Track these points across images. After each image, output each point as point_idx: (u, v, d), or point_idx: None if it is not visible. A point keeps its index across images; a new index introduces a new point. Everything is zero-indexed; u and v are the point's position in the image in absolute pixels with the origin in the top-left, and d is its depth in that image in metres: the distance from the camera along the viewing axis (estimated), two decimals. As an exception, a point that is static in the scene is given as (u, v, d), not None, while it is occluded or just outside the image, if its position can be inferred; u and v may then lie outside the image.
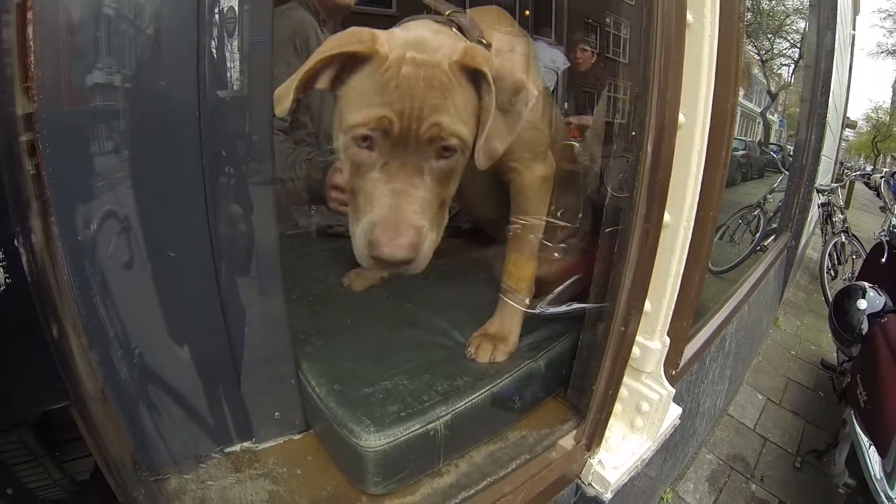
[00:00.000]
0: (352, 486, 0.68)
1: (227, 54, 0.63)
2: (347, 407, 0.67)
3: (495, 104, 0.57)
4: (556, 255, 0.93)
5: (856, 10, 7.01)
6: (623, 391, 0.98)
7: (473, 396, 0.71)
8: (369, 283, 1.00)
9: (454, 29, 0.68)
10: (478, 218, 1.00)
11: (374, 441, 0.63)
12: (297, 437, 0.76)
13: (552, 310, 0.88)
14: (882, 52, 19.02)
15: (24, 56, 0.51)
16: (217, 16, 0.62)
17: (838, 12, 3.18)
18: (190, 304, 0.67)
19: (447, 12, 0.70)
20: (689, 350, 1.30)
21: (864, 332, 1.96)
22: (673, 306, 0.89)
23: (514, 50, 0.75)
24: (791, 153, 3.04)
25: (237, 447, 0.74)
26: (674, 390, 1.05)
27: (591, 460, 0.91)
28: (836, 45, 3.65)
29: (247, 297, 0.69)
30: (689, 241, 0.84)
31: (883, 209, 3.07)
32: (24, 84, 0.53)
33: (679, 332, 1.02)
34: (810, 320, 3.48)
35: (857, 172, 4.32)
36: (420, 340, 0.83)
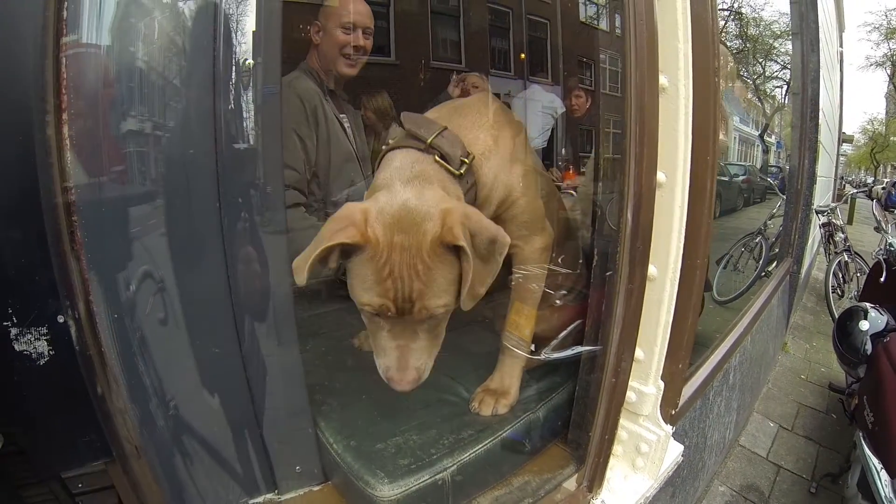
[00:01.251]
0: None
1: (243, 106, 0.72)
2: (363, 461, 0.74)
3: (473, 259, 0.69)
4: (557, 302, 1.00)
5: (841, 28, 7.16)
6: (622, 433, 1.03)
7: (477, 448, 0.78)
8: None
9: (436, 157, 0.78)
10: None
11: (387, 492, 0.70)
12: (316, 488, 0.82)
13: (556, 355, 0.94)
14: (871, 65, 19.29)
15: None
16: (232, 71, 0.70)
17: (823, 33, 3.30)
18: (215, 359, 0.73)
19: (428, 140, 0.79)
20: (689, 388, 1.35)
21: (868, 353, 1.97)
22: (665, 352, 0.95)
23: (491, 143, 0.85)
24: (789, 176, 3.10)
25: (261, 498, 0.80)
26: (671, 430, 1.10)
27: (594, 501, 0.95)
28: (824, 65, 3.77)
29: (266, 349, 0.76)
30: (675, 291, 0.90)
31: (878, 229, 3.11)
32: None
33: (674, 374, 1.07)
34: (819, 342, 3.47)
35: (855, 190, 4.33)
36: (427, 397, 0.89)
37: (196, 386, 0.73)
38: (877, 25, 17.79)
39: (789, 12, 2.88)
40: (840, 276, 3.86)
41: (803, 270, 3.60)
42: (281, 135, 0.78)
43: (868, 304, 2.16)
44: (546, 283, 0.95)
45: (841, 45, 7.72)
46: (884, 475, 1.46)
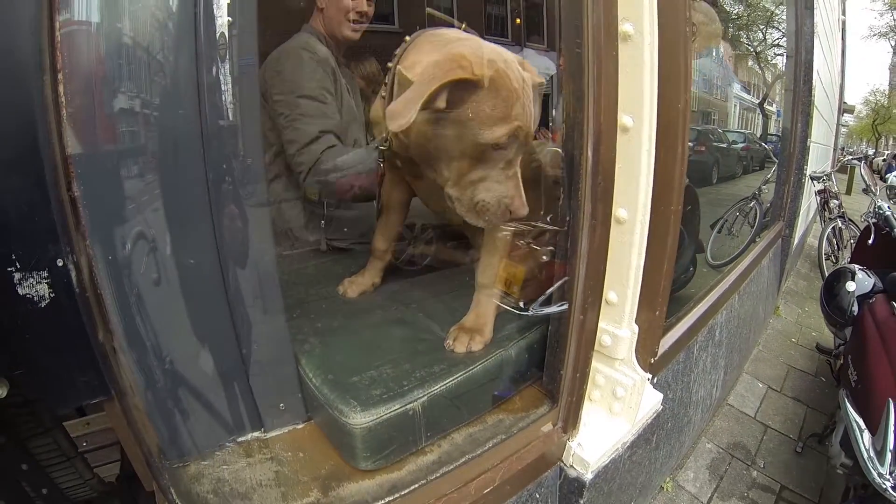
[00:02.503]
0: (346, 464, 0.77)
1: (221, 79, 0.73)
2: (338, 392, 0.78)
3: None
4: (542, 255, 1.03)
5: None
6: (599, 378, 1.06)
7: (448, 381, 0.81)
8: (362, 289, 1.11)
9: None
10: (460, 224, 1.11)
11: (360, 419, 0.73)
12: (300, 426, 0.86)
13: (545, 310, 0.96)
14: (875, 35, 18.96)
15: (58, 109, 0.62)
16: (212, 43, 0.72)
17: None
18: (203, 309, 0.77)
19: (462, 25, 0.89)
20: (670, 339, 1.38)
21: (854, 314, 2.00)
22: (638, 296, 0.97)
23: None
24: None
25: (248, 436, 0.84)
26: (647, 375, 1.13)
27: (570, 443, 0.99)
28: (823, 31, 3.71)
29: (250, 302, 0.79)
30: (646, 235, 0.92)
31: (866, 191, 3.11)
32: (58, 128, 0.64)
33: (651, 321, 1.10)
34: (811, 307, 3.50)
35: (851, 157, 4.32)
36: (404, 336, 0.93)
37: (186, 332, 0.77)
38: None
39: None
40: (834, 242, 3.88)
41: (797, 236, 3.62)
42: (258, 107, 0.82)
43: (856, 266, 2.18)
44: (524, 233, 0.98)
45: (843, 13, 7.59)
46: (865, 432, 1.50)
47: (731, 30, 2.96)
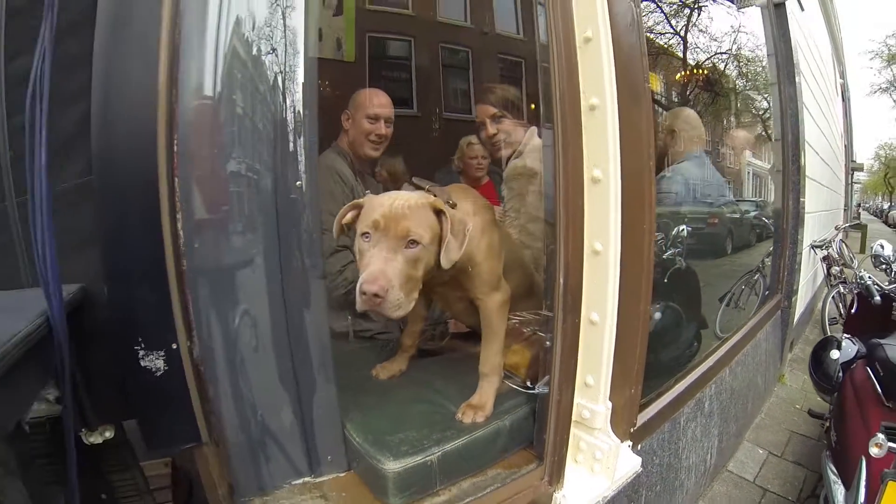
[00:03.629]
0: (378, 500, 1.04)
1: (298, 150, 0.95)
2: (376, 447, 1.05)
3: (449, 230, 1.01)
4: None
5: (840, 61, 7.32)
6: (582, 444, 1.30)
7: (457, 442, 1.08)
8: (391, 373, 1.41)
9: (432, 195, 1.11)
10: (468, 324, 1.45)
11: (392, 466, 1.00)
12: (342, 474, 1.11)
13: (544, 390, 1.22)
14: (876, 91, 19.29)
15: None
16: (291, 118, 0.94)
17: (814, 72, 3.51)
18: (277, 380, 1.03)
19: (426, 188, 1.17)
20: (651, 411, 1.61)
21: (839, 381, 2.17)
22: (610, 380, 1.23)
23: (469, 210, 1.21)
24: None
25: (301, 480, 1.08)
26: (626, 442, 1.37)
27: (556, 494, 1.22)
28: (818, 101, 3.98)
29: (313, 370, 1.04)
30: (614, 333, 1.20)
31: (846, 266, 3.28)
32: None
33: (626, 397, 1.34)
34: (818, 376, 3.60)
35: (846, 224, 4.46)
36: (424, 410, 1.21)
37: (264, 397, 1.03)
38: (877, 52, 17.98)
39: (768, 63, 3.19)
40: (839, 307, 4.00)
41: (802, 304, 3.77)
42: (315, 182, 1.00)
43: (843, 335, 2.36)
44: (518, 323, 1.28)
45: (842, 76, 7.92)
46: (840, 488, 1.66)
47: (730, 112, 3.28)
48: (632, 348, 1.29)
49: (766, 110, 3.43)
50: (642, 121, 1.23)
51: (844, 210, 7.39)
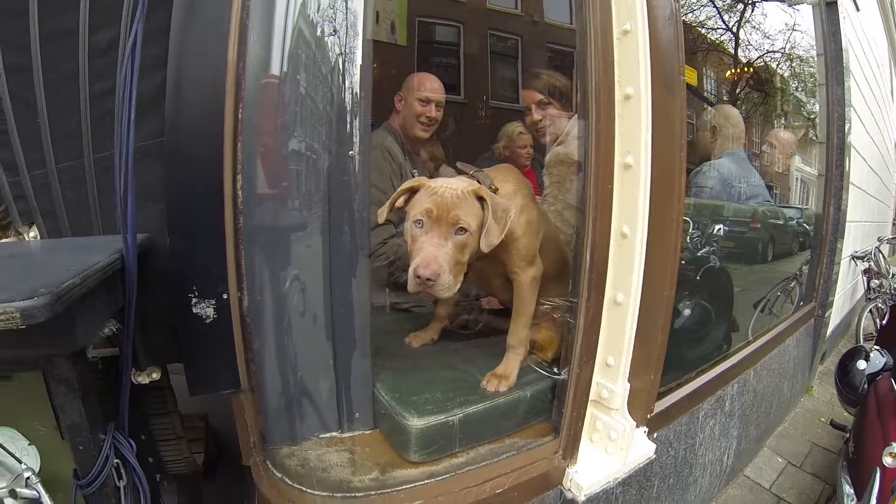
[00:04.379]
0: (399, 458, 1.10)
1: (353, 132, 0.99)
2: (403, 405, 1.12)
3: (491, 215, 1.07)
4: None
5: None
6: (599, 424, 1.34)
7: (478, 406, 1.14)
8: (423, 342, 1.48)
9: (476, 181, 1.18)
10: (501, 300, 1.50)
11: (416, 422, 1.07)
12: (367, 432, 1.19)
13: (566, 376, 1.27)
14: None
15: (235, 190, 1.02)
16: (349, 99, 0.98)
17: (868, 74, 3.37)
18: (317, 342, 1.11)
19: (471, 173, 1.22)
20: (668, 400, 1.63)
21: (864, 392, 2.12)
22: (630, 361, 1.26)
23: (511, 192, 1.26)
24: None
25: (329, 434, 1.17)
26: (643, 427, 1.40)
27: (568, 469, 1.26)
28: (870, 105, 3.82)
29: (352, 335, 1.12)
30: (636, 315, 1.22)
31: (880, 276, 3.16)
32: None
33: (645, 382, 1.37)
34: (849, 389, 3.50)
35: (890, 236, 4.26)
36: (451, 376, 1.27)
37: (304, 356, 1.11)
38: None
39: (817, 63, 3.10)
40: (877, 322, 3.87)
41: (837, 316, 3.66)
42: (368, 163, 1.06)
43: (872, 346, 2.30)
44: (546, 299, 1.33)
45: None
46: (853, 500, 1.64)
47: (775, 113, 3.19)
48: (654, 333, 1.32)
49: (812, 112, 3.32)
50: (676, 112, 1.24)
51: (893, 223, 7.04)
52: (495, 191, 1.20)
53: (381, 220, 1.12)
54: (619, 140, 1.18)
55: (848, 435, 2.14)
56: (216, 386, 1.16)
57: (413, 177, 1.75)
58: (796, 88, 3.29)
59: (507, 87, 3.31)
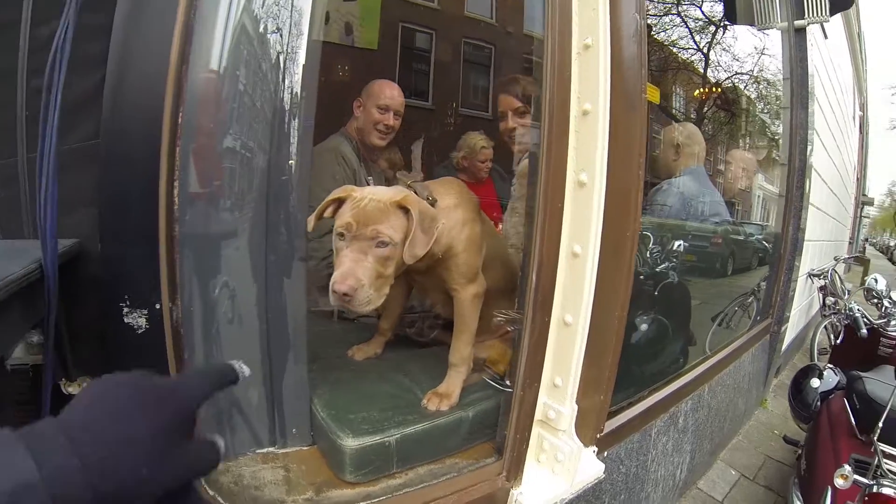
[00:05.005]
0: (336, 477, 1.06)
1: (291, 133, 0.96)
2: (338, 423, 1.07)
3: (417, 225, 1.03)
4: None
5: (861, 92, 7.29)
6: (545, 444, 1.31)
7: (417, 426, 1.10)
8: (366, 355, 1.44)
9: (411, 191, 1.13)
10: (444, 315, 1.46)
11: (350, 442, 1.03)
12: (305, 448, 1.14)
13: (502, 386, 1.25)
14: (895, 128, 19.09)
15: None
16: (288, 99, 0.95)
17: (831, 99, 3.47)
18: (253, 352, 1.05)
19: (409, 183, 1.19)
20: (620, 419, 1.62)
21: (817, 410, 2.18)
22: (578, 383, 1.24)
23: (451, 205, 1.23)
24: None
25: (265, 450, 1.11)
26: (590, 448, 1.38)
27: (513, 490, 1.23)
28: (832, 129, 3.95)
29: (286, 347, 1.08)
30: (586, 336, 1.20)
31: (835, 295, 3.27)
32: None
33: (595, 402, 1.35)
34: (801, 403, 3.60)
35: (846, 256, 4.41)
36: (391, 393, 1.23)
37: (253, 363, 1.06)
38: None
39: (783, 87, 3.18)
40: (831, 338, 3.99)
41: (792, 332, 3.76)
42: (310, 165, 1.06)
43: (825, 364, 2.36)
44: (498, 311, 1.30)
45: (861, 109, 7.87)
46: None
47: (740, 132, 3.26)
48: (605, 354, 1.30)
49: (776, 133, 3.41)
50: (636, 130, 1.23)
51: (850, 243, 7.33)
52: (433, 203, 1.17)
53: (309, 228, 1.07)
54: (573, 156, 1.16)
55: (800, 451, 2.19)
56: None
57: (368, 184, 1.71)
58: (761, 110, 3.38)
59: (479, 96, 3.32)
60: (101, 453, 0.33)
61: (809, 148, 3.16)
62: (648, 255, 1.98)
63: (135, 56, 0.91)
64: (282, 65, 0.95)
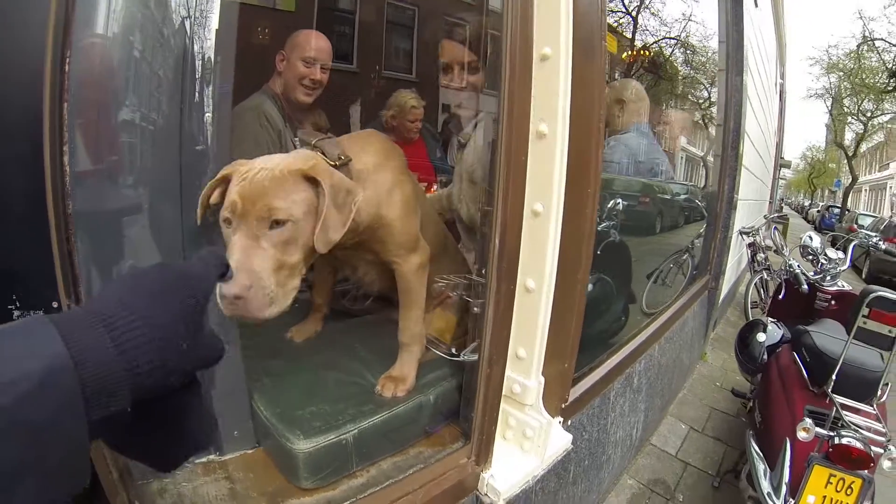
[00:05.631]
0: (289, 484, 0.93)
1: (203, 102, 0.84)
2: (285, 423, 0.93)
3: (329, 201, 0.81)
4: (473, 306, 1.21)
5: (782, 62, 7.80)
6: (511, 420, 1.24)
7: (374, 418, 0.98)
8: (307, 335, 1.28)
9: (319, 153, 0.92)
10: (380, 291, 1.30)
11: (302, 445, 0.90)
12: (250, 451, 1.00)
13: (472, 356, 1.13)
14: (812, 96, 20.89)
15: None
16: (199, 66, 0.83)
17: (758, 67, 3.62)
18: None
19: (313, 142, 0.96)
20: (582, 386, 1.58)
21: (763, 363, 2.26)
22: (543, 353, 1.17)
23: (372, 165, 1.03)
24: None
25: (206, 458, 0.97)
26: (556, 420, 1.32)
27: (483, 474, 1.15)
28: (759, 95, 4.13)
29: None
30: (551, 302, 1.12)
31: (777, 252, 3.48)
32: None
33: (559, 372, 1.29)
34: (735, 354, 3.83)
35: (771, 217, 4.74)
36: (341, 380, 1.10)
37: None
38: (818, 59, 19.26)
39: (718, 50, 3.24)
40: (761, 292, 4.25)
41: (726, 286, 3.96)
42: (229, 133, 0.92)
43: (768, 319, 2.46)
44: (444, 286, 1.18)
45: (782, 77, 8.44)
46: (765, 468, 1.71)
47: (675, 94, 3.32)
48: (568, 319, 1.23)
49: (709, 98, 3.50)
50: (595, 77, 1.15)
51: (769, 202, 7.89)
52: (346, 162, 0.95)
53: (198, 221, 0.85)
54: (534, 105, 1.06)
55: (751, 403, 2.27)
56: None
57: (295, 146, 1.54)
58: (697, 71, 3.44)
59: (402, 58, 3.22)
60: (135, 333, 0.33)
61: (743, 110, 3.27)
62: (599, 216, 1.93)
63: (8, 18, 0.73)
64: (188, 30, 0.83)
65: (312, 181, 0.83)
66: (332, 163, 0.92)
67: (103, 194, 0.83)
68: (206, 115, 0.85)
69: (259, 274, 0.76)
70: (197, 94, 0.84)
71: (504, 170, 0.98)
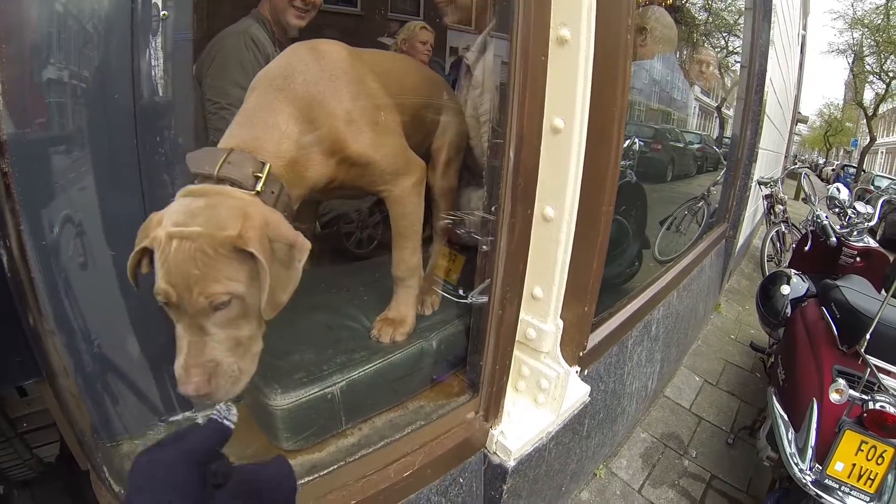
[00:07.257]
0: (271, 445, 0.80)
1: (158, 52, 0.74)
2: (262, 376, 0.78)
3: (269, 264, 0.68)
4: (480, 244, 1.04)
5: (805, 12, 7.35)
6: (524, 369, 1.10)
7: (367, 367, 0.84)
8: None
9: (227, 185, 0.73)
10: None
11: (280, 401, 0.77)
12: (232, 406, 0.87)
13: (482, 299, 0.97)
14: (833, 51, 19.86)
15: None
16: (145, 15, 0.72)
17: (781, 12, 3.35)
18: (132, 298, 0.76)
19: (216, 173, 0.73)
20: (601, 333, 1.44)
21: (787, 316, 2.12)
22: (563, 293, 1.01)
23: (310, 136, 0.81)
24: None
25: (179, 416, 0.86)
26: (573, 368, 1.19)
27: (492, 431, 1.03)
28: (782, 44, 3.85)
29: None
30: (572, 234, 0.96)
31: (805, 200, 3.28)
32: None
33: (579, 316, 1.15)
34: (751, 306, 3.65)
35: (800, 165, 4.50)
36: (331, 323, 0.95)
37: (115, 316, 0.78)
38: (842, 13, 18.15)
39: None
40: (777, 245, 4.09)
41: (742, 237, 3.79)
42: (191, 85, 0.82)
43: (792, 271, 2.30)
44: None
45: (804, 28, 7.96)
46: (789, 428, 1.59)
47: (693, 35, 3.06)
48: (590, 255, 1.07)
49: (736, 38, 3.24)
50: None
51: (785, 157, 7.60)
52: (267, 169, 0.76)
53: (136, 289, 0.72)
54: (555, 6, 0.86)
55: (772, 359, 2.15)
56: (9, 376, 0.85)
57: None
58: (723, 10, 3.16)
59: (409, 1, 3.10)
60: None
61: (768, 54, 3.01)
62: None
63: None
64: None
65: (243, 251, 0.69)
66: (252, 192, 0.74)
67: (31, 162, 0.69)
68: (156, 67, 0.74)
69: (216, 361, 0.68)
70: (147, 49, 0.73)
71: (520, 77, 0.79)
